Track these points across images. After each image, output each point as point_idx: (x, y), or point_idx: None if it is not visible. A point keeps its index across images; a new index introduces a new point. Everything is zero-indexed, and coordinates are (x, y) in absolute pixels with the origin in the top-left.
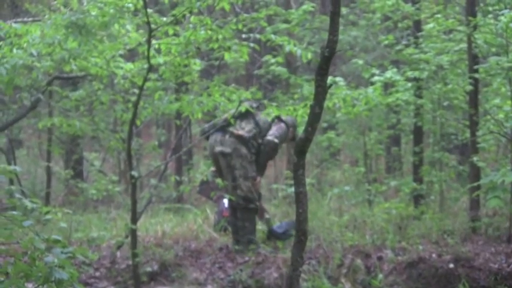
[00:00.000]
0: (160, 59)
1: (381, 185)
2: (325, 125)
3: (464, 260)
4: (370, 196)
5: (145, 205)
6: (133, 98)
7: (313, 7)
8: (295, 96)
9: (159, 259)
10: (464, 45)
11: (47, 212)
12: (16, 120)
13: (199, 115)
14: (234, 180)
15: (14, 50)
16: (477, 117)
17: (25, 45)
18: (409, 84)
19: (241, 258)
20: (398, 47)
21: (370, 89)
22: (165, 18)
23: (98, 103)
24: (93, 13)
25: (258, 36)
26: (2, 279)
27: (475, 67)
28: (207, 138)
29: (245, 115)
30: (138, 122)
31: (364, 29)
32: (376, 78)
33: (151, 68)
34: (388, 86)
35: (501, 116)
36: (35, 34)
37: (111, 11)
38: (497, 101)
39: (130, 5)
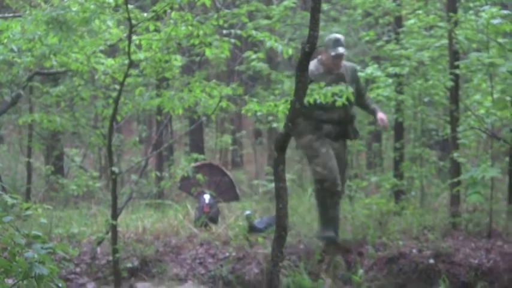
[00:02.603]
0: (141, 55)
1: (362, 180)
2: None
3: (444, 256)
4: (351, 192)
5: (125, 201)
6: (114, 94)
7: (294, 3)
8: (276, 92)
9: (140, 255)
10: (445, 41)
11: (27, 208)
12: None
13: (180, 111)
14: None
15: None
16: (458, 113)
17: (5, 40)
18: (390, 80)
19: (222, 254)
20: (379, 43)
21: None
22: (146, 14)
23: (78, 99)
24: (74, 9)
25: (239, 32)
26: None
27: (456, 63)
28: None
29: None
30: (118, 118)
31: (345, 25)
32: None
33: (132, 64)
34: (369, 82)
35: (482, 111)
36: (15, 30)
37: (92, 6)
38: (477, 96)
39: (111, 0)
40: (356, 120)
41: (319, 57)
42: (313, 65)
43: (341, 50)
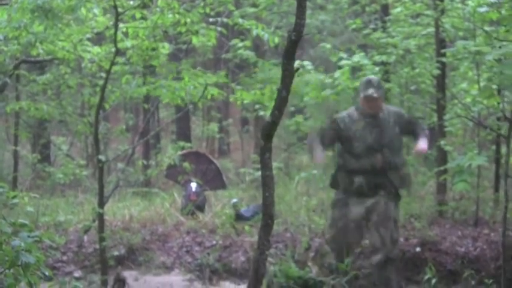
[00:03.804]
0: (128, 43)
1: None
2: (292, 109)
3: (431, 244)
4: None
5: (112, 189)
6: (101, 82)
7: None
8: (259, 78)
9: (126, 243)
10: (431, 30)
11: (14, 196)
12: None
13: (178, 100)
14: None
15: None
16: (444, 101)
17: None
18: (377, 68)
19: (209, 242)
20: (365, 31)
21: (337, 73)
22: (132, 2)
23: (65, 87)
24: None
25: (225, 20)
26: None
27: (443, 51)
28: None
29: None
30: (105, 106)
31: (332, 13)
32: (343, 62)
33: (118, 52)
34: (355, 70)
35: (468, 100)
36: (1, 18)
37: None
38: (464, 85)
39: None
40: (404, 168)
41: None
42: (346, 112)
43: (371, 91)
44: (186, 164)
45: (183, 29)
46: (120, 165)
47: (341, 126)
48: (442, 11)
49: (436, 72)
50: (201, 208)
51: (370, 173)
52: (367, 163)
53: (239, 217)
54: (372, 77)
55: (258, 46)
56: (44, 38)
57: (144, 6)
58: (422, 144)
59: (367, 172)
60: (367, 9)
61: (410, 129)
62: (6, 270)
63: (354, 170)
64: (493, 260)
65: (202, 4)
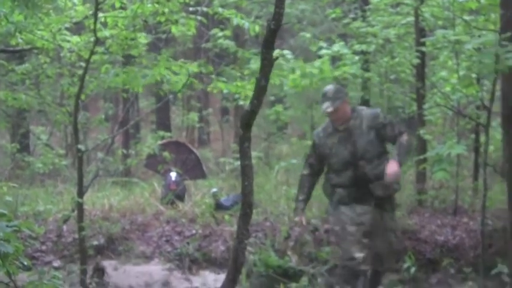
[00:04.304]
0: (107, 32)
1: None
2: (272, 98)
3: (410, 233)
4: None
5: (92, 179)
6: (80, 72)
7: None
8: (245, 72)
9: (106, 233)
10: (411, 19)
11: None
12: None
13: (140, 89)
14: None
15: None
16: (424, 90)
17: None
18: (357, 58)
19: (189, 231)
20: (345, 21)
21: (317, 62)
22: None
23: (44, 76)
24: None
25: (205, 9)
26: None
27: (422, 40)
28: None
29: None
30: (83, 96)
31: (312, 3)
32: (323, 51)
33: (97, 41)
34: (335, 60)
35: (448, 89)
36: None
37: None
38: (443, 74)
39: None
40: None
41: None
42: (321, 126)
43: (325, 106)
44: (165, 154)
45: (163, 19)
46: (100, 154)
47: (316, 142)
48: (422, 0)
49: (416, 61)
50: (180, 197)
51: (350, 187)
52: (346, 178)
53: (219, 206)
54: (328, 87)
55: (238, 36)
56: (23, 28)
57: None
58: (391, 166)
59: (348, 186)
60: None
61: (387, 135)
62: None
63: (336, 185)
64: (472, 249)
65: None
